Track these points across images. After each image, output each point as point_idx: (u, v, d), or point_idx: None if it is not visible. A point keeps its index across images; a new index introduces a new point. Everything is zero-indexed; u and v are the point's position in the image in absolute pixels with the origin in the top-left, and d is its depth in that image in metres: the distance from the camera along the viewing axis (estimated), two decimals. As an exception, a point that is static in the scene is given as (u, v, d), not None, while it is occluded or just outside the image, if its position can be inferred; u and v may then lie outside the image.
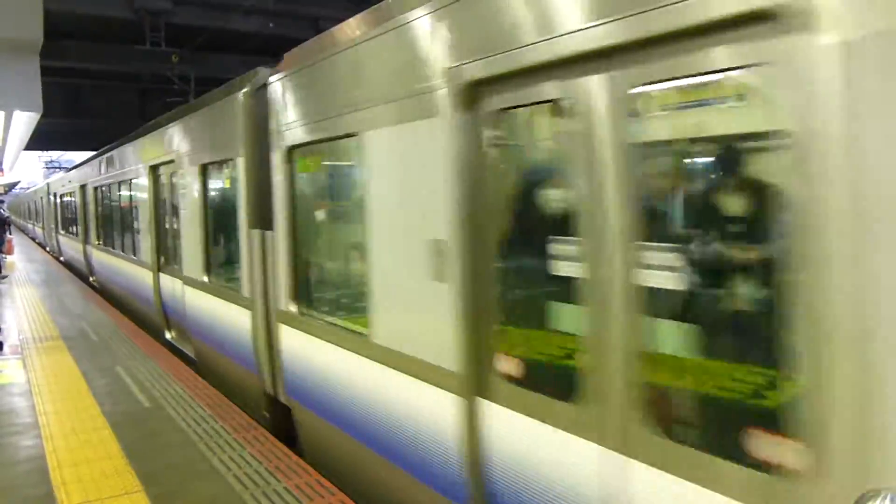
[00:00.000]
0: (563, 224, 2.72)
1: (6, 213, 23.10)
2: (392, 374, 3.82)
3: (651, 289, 2.39)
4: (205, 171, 7.23)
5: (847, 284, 1.76)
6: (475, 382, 3.13)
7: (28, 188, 57.77)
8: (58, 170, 52.10)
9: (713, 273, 2.44)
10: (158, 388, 6.74)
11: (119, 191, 12.34)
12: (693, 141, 2.60)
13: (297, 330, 5.12)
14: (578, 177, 2.60)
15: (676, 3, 2.11)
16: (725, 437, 2.27)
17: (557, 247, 2.83)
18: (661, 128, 2.61)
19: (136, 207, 10.84)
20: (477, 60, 2.97)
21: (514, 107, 2.95)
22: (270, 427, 5.63)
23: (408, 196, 3.65)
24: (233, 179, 6.46)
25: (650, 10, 2.19)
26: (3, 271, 17.39)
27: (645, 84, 2.36)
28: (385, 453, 4.00)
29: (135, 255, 10.83)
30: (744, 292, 2.34)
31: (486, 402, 3.10)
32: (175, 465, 4.78)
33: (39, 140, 25.31)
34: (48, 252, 26.57)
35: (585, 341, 2.62)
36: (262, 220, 5.65)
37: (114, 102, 25.68)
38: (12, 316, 11.21)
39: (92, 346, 8.78)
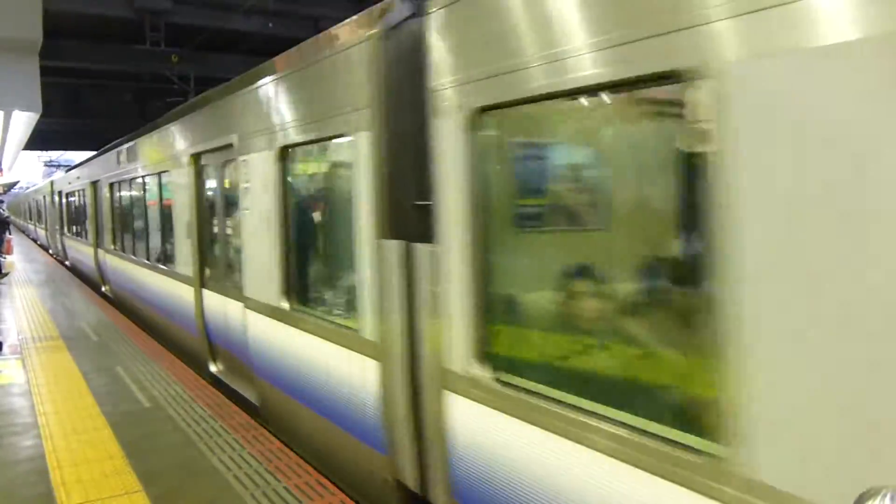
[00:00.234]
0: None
1: (6, 214, 23.10)
2: None
3: None
4: (287, 157, 5.22)
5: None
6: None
7: (28, 188, 57.48)
8: (57, 168, 51.81)
9: None
10: (158, 388, 6.74)
11: (144, 187, 10.40)
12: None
13: (492, 409, 3.09)
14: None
15: None
16: None
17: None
18: None
19: (168, 207, 8.84)
20: None
21: None
22: None
23: None
24: (341, 166, 4.68)
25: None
26: (2, 270, 17.37)
27: None
28: None
29: (165, 264, 8.98)
30: None
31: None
32: (175, 465, 4.78)
33: (39, 140, 25.35)
34: (51, 255, 25.24)
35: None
36: (403, 226, 3.82)
37: (113, 102, 25.67)
38: (12, 316, 11.21)
39: (92, 346, 8.78)
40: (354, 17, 4.30)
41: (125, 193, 12.00)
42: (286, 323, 5.23)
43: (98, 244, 14.66)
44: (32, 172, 72.32)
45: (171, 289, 8.67)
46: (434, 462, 3.62)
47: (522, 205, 3.40)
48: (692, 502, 2.17)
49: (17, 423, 5.80)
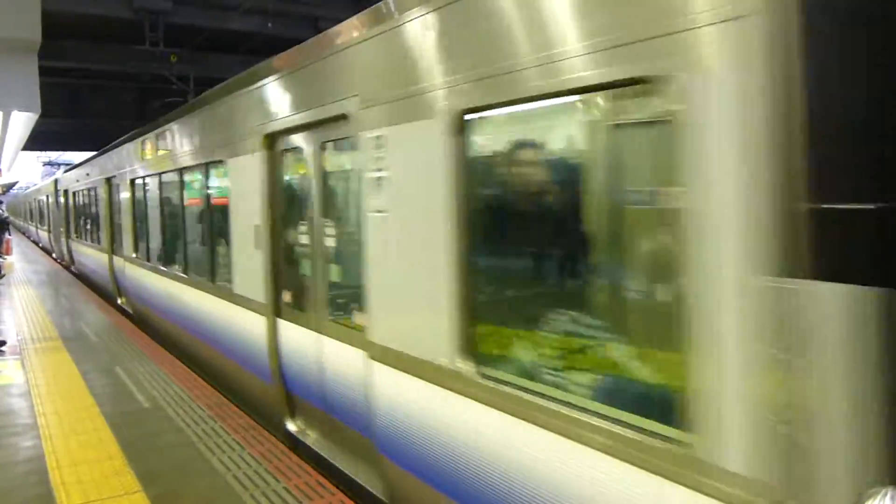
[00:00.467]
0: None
1: (5, 214, 23.08)
2: None
3: None
4: (473, 127, 3.24)
5: None
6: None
7: (27, 188, 57.22)
8: (57, 168, 51.41)
9: None
10: (158, 388, 6.74)
11: (182, 183, 8.40)
12: None
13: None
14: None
15: None
16: None
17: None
18: None
19: (220, 208, 6.98)
20: None
21: None
22: None
23: None
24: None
25: None
26: (1, 271, 17.36)
27: None
28: None
29: (214, 281, 7.15)
30: None
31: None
32: (175, 466, 4.78)
33: (38, 140, 25.34)
34: (54, 259, 23.86)
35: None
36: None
37: (113, 103, 25.67)
38: (11, 316, 11.20)
39: (91, 347, 8.77)
40: None
41: (153, 191, 9.79)
42: (466, 397, 3.24)
43: (114, 250, 12.73)
44: (31, 173, 72.31)
45: (223, 313, 6.72)
46: None
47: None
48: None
49: (17, 423, 5.80)
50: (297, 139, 5.19)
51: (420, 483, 3.68)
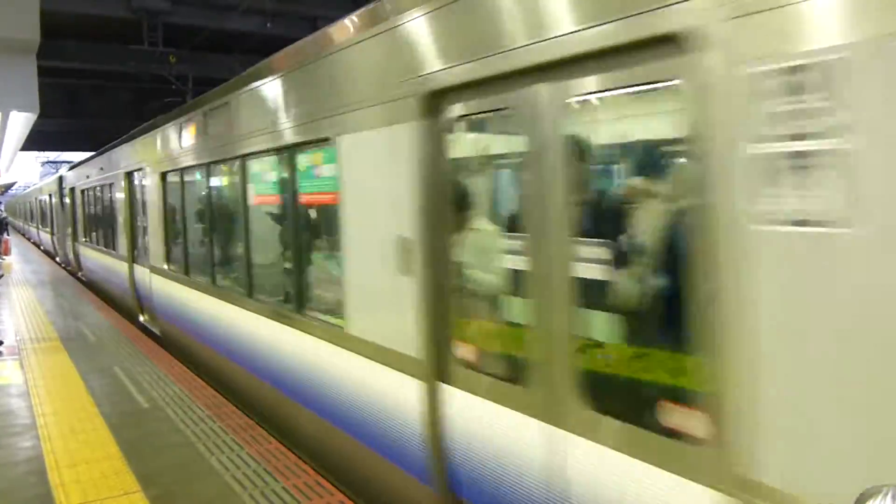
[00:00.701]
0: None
1: (4, 214, 23.05)
2: None
3: None
4: None
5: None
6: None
7: (27, 188, 56.88)
8: (55, 168, 51.01)
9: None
10: (157, 388, 6.73)
11: (246, 176, 6.22)
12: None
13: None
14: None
15: None
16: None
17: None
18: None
19: (317, 210, 5.40)
20: None
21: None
22: None
23: None
24: None
25: None
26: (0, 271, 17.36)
27: None
28: None
29: (302, 311, 5.19)
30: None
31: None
32: (174, 466, 4.77)
33: (36, 140, 25.35)
34: (57, 263, 21.99)
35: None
36: None
37: (111, 103, 25.70)
38: (10, 317, 11.19)
39: (90, 347, 8.76)
40: None
41: (198, 187, 8.05)
42: None
43: (135, 258, 10.76)
44: (30, 173, 72.23)
45: (321, 358, 4.75)
46: None
47: None
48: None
49: (16, 423, 5.79)
50: (513, 96, 3.00)
51: None
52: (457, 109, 3.39)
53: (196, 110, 7.42)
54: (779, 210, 1.94)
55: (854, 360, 1.81)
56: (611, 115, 3.01)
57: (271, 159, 5.84)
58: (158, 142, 9.03)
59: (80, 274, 17.36)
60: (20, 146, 19.15)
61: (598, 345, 2.86)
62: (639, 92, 2.56)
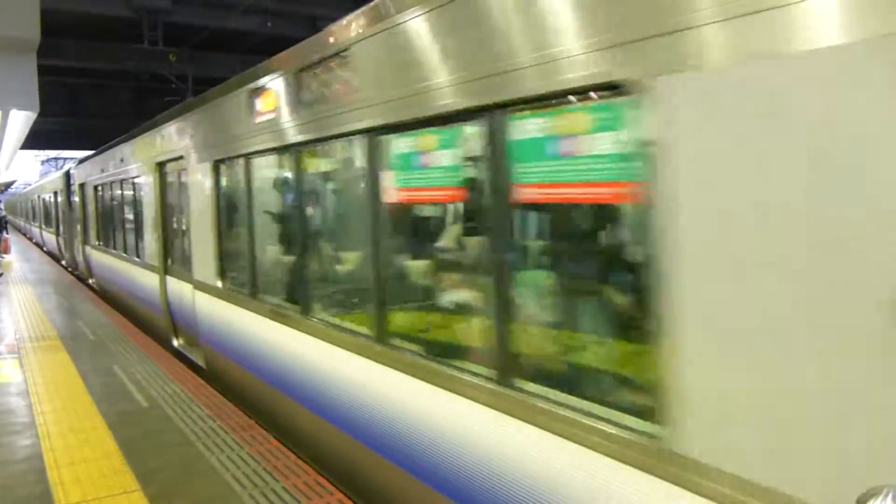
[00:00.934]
0: None
1: (2, 212, 23.04)
2: None
3: None
4: None
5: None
6: None
7: (26, 186, 56.65)
8: (54, 166, 50.64)
9: None
10: (156, 387, 6.73)
11: (377, 161, 4.07)
12: None
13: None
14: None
15: None
16: None
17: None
18: None
19: (558, 211, 3.36)
20: None
21: None
22: None
23: None
24: None
25: None
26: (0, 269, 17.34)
27: None
28: None
29: (507, 384, 3.11)
30: None
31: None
32: (173, 465, 4.77)
33: (36, 139, 25.32)
34: (63, 266, 20.06)
35: None
36: None
37: (111, 102, 25.72)
38: (9, 315, 11.18)
39: (89, 346, 8.76)
40: None
41: (279, 181, 6.03)
42: None
43: (168, 269, 8.78)
44: (30, 171, 72.17)
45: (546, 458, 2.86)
46: None
47: None
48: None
49: (15, 422, 5.79)
50: None
51: None
52: None
53: (276, 72, 5.22)
54: None
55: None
56: None
57: (448, 131, 3.50)
58: (209, 122, 6.97)
59: (90, 281, 15.48)
60: (20, 145, 19.15)
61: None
62: None
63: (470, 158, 3.46)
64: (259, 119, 5.63)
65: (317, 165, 5.41)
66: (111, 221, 12.92)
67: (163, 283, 8.87)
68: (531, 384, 3.05)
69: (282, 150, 5.42)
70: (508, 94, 2.92)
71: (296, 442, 5.32)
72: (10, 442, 5.32)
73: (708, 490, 2.17)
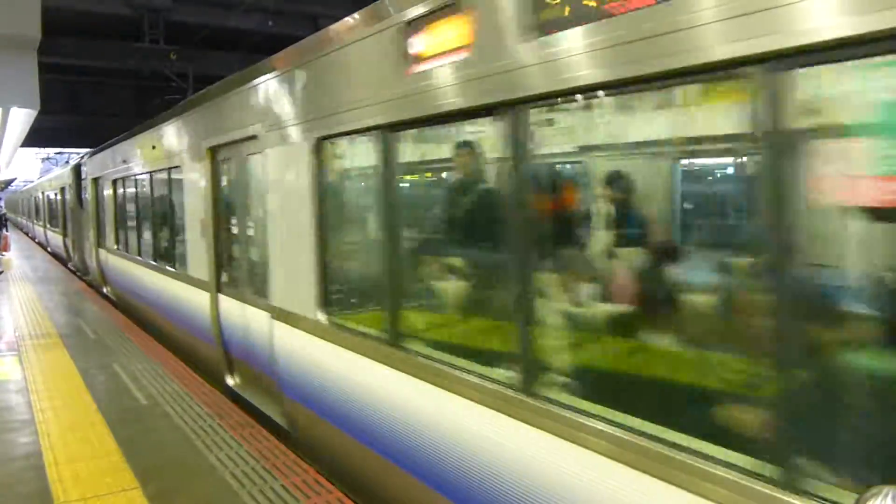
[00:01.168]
0: None
1: (2, 210, 23.03)
2: None
3: None
4: None
5: None
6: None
7: (26, 184, 56.46)
8: (55, 163, 50.33)
9: None
10: (156, 385, 6.73)
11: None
12: None
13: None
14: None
15: None
16: None
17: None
18: None
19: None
20: None
21: None
22: None
23: None
24: None
25: None
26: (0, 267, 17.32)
27: None
28: None
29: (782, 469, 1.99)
30: None
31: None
32: (172, 463, 4.78)
33: (37, 137, 25.30)
34: (70, 269, 18.56)
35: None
36: None
37: (112, 100, 25.69)
38: (9, 313, 11.18)
39: (89, 344, 8.76)
40: None
41: (421, 161, 4.39)
42: None
43: (221, 286, 6.89)
44: (30, 169, 72.14)
45: None
46: None
47: None
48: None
49: (14, 419, 5.79)
50: None
51: None
52: None
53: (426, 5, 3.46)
54: None
55: None
56: None
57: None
58: (311, 84, 4.84)
59: (105, 290, 13.57)
60: (20, 143, 19.15)
61: None
62: None
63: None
64: (420, 67, 3.52)
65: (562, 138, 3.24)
66: (135, 222, 10.90)
67: (214, 305, 6.91)
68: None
69: (473, 112, 3.24)
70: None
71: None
72: (10, 439, 5.33)
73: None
